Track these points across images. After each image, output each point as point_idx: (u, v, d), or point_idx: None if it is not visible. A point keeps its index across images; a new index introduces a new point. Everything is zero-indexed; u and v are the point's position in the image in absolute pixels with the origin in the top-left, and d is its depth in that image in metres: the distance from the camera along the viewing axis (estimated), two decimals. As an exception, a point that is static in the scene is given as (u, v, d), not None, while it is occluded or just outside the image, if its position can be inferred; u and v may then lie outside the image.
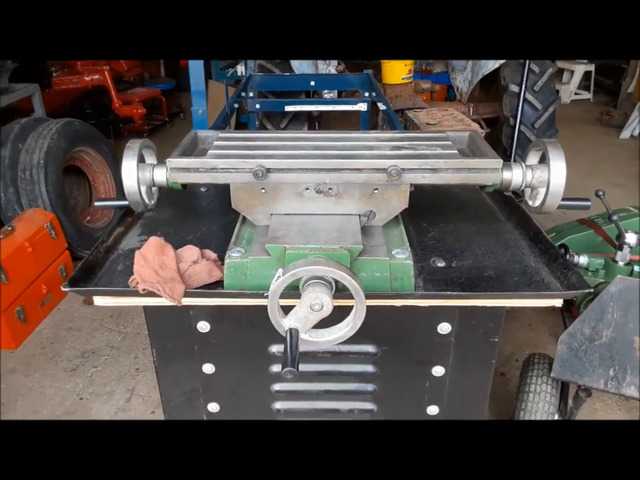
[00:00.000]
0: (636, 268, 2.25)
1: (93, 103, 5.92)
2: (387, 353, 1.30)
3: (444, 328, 1.25)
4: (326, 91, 4.83)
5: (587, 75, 7.96)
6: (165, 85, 7.01)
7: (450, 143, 1.34)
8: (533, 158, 1.30)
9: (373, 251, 1.18)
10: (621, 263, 2.19)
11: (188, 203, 1.61)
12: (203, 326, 1.26)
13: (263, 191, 1.23)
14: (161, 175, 1.24)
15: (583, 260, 2.26)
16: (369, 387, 1.35)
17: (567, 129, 5.97)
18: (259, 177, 1.18)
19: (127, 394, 2.47)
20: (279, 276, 1.01)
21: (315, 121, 4.56)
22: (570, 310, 2.35)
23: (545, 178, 1.19)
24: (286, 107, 3.74)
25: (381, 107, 3.06)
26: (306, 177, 1.21)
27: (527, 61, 3.53)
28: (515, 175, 1.22)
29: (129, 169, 1.21)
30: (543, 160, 1.22)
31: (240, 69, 6.04)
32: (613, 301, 1.62)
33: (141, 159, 1.30)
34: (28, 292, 2.89)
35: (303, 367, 1.31)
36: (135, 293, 1.12)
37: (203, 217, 1.52)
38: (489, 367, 1.30)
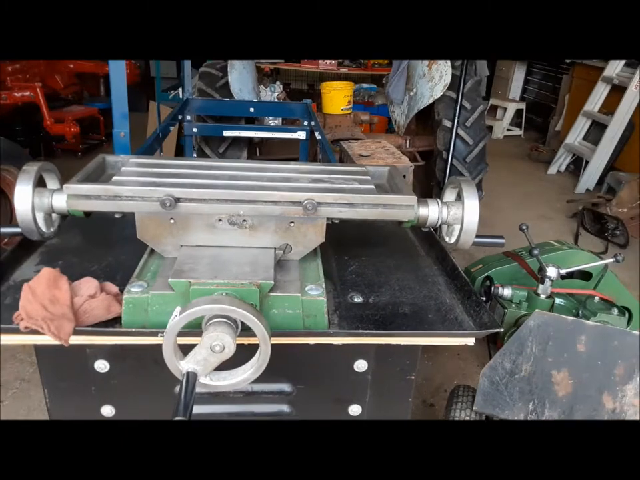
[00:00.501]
0: (557, 300, 2.32)
1: (23, 120, 5.62)
2: (303, 391, 1.24)
3: (360, 365, 1.21)
4: (270, 118, 4.82)
5: (518, 112, 8.43)
6: (104, 104, 6.76)
7: (369, 177, 1.33)
8: (449, 195, 1.31)
9: (286, 286, 1.13)
10: (542, 296, 2.26)
11: (98, 229, 1.50)
12: (102, 365, 1.15)
13: (172, 221, 1.16)
14: (60, 201, 1.15)
15: (507, 292, 2.31)
16: (284, 428, 1.28)
17: (499, 163, 6.27)
18: (166, 207, 1.12)
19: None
20: (176, 315, 0.94)
21: (256, 147, 4.53)
22: (495, 341, 2.39)
23: (460, 215, 1.19)
24: (224, 132, 3.68)
25: (318, 136, 3.08)
26: (218, 208, 1.15)
27: (460, 98, 3.67)
28: (431, 212, 1.22)
29: (23, 193, 1.13)
30: (460, 197, 1.23)
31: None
32: (532, 335, 1.65)
33: (42, 184, 1.21)
34: None
35: (212, 409, 1.24)
36: (20, 331, 1.01)
37: (112, 245, 1.42)
38: (406, 404, 1.27)
